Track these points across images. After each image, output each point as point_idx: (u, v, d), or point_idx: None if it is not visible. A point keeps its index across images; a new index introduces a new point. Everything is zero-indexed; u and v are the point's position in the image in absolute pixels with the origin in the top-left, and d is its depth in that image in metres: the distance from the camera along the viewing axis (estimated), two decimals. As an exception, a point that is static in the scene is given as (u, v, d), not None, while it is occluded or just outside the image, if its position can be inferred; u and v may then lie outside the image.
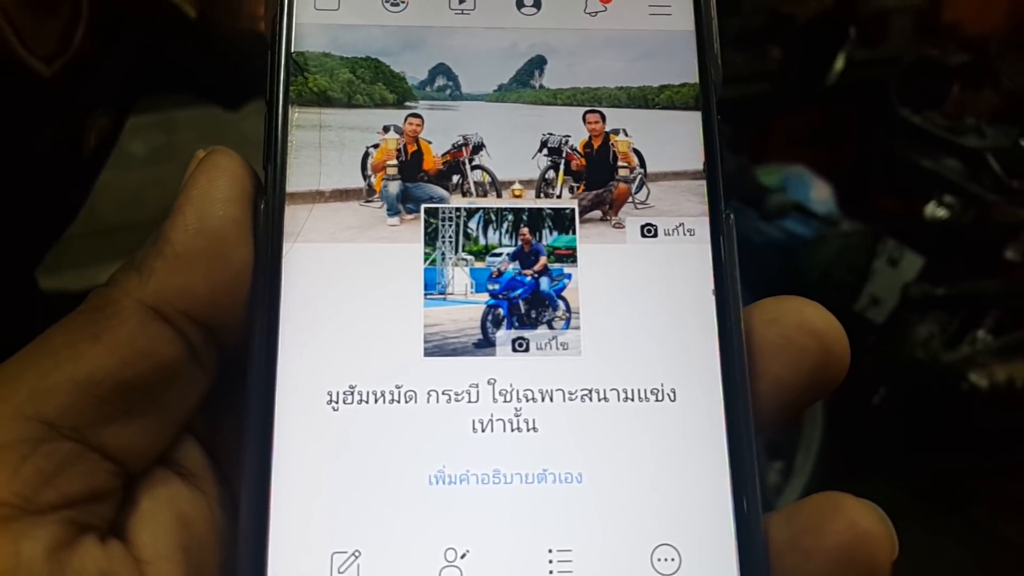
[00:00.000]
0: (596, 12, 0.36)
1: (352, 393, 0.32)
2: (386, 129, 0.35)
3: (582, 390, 0.33)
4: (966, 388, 2.20)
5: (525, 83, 0.35)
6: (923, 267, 2.26)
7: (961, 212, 2.25)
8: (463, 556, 0.31)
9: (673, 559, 0.32)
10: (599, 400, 0.33)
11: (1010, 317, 2.28)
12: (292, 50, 0.35)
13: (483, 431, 0.32)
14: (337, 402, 0.32)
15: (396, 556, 0.31)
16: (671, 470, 0.32)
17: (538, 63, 0.35)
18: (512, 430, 0.32)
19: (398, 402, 0.32)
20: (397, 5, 0.36)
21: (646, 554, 0.32)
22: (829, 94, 2.88)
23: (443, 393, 0.33)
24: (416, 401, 0.32)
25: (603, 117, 0.35)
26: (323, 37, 0.35)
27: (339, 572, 0.31)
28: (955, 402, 2.28)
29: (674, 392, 0.33)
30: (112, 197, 2.55)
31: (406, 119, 0.35)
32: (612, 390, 0.33)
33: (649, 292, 0.34)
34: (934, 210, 2.27)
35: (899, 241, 2.32)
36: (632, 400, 0.33)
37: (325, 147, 0.34)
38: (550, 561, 0.31)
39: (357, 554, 0.31)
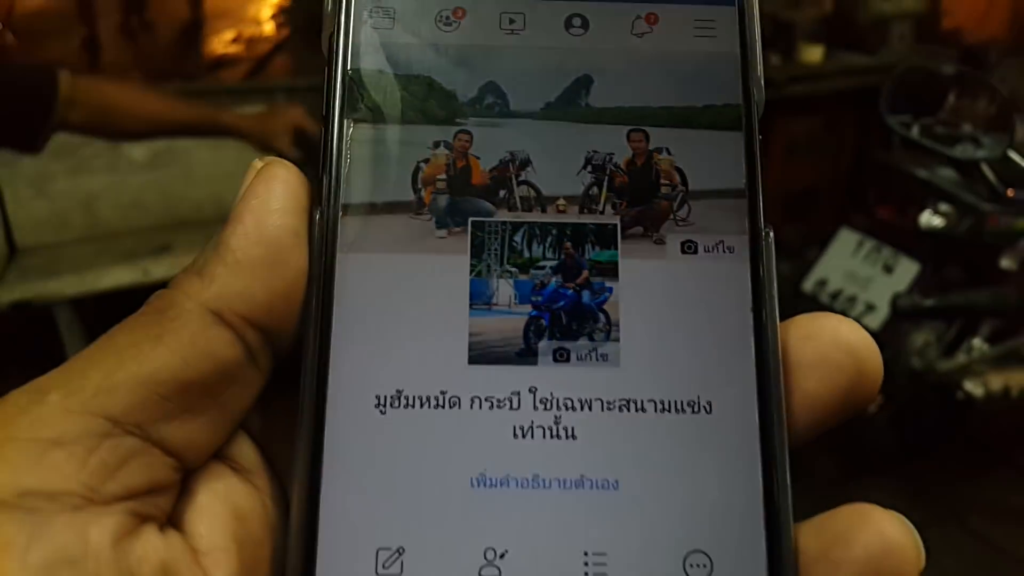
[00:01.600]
0: (642, 33, 0.37)
1: (399, 397, 0.33)
2: (436, 145, 0.35)
3: (620, 400, 0.34)
4: (962, 397, 2.21)
5: (571, 102, 0.36)
6: (918, 275, 2.27)
7: (956, 221, 2.25)
8: (502, 556, 0.32)
9: (705, 565, 0.32)
10: (636, 410, 0.34)
11: (1006, 326, 2.29)
12: (348, 67, 0.35)
13: (524, 437, 0.33)
14: (384, 406, 0.33)
15: (438, 554, 0.32)
16: (704, 480, 0.33)
17: (585, 82, 0.36)
18: (552, 437, 0.33)
19: (443, 407, 0.33)
20: (450, 24, 0.36)
21: (679, 559, 0.32)
22: (829, 101, 2.90)
23: (486, 400, 0.33)
24: (460, 407, 0.33)
25: (647, 136, 0.36)
26: (378, 55, 0.36)
27: (384, 567, 0.32)
28: (951, 411, 2.30)
29: (710, 404, 0.34)
30: (112, 201, 2.57)
31: (456, 135, 0.35)
32: (649, 401, 0.34)
33: (687, 307, 0.34)
34: (929, 219, 2.28)
35: (895, 249, 2.33)
36: (668, 411, 0.34)
37: (378, 161, 0.35)
38: (586, 564, 0.32)
39: (401, 551, 0.32)
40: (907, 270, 2.31)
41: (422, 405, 0.33)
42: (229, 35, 3.02)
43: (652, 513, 0.33)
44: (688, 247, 0.35)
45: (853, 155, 2.96)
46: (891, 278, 2.32)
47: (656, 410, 0.34)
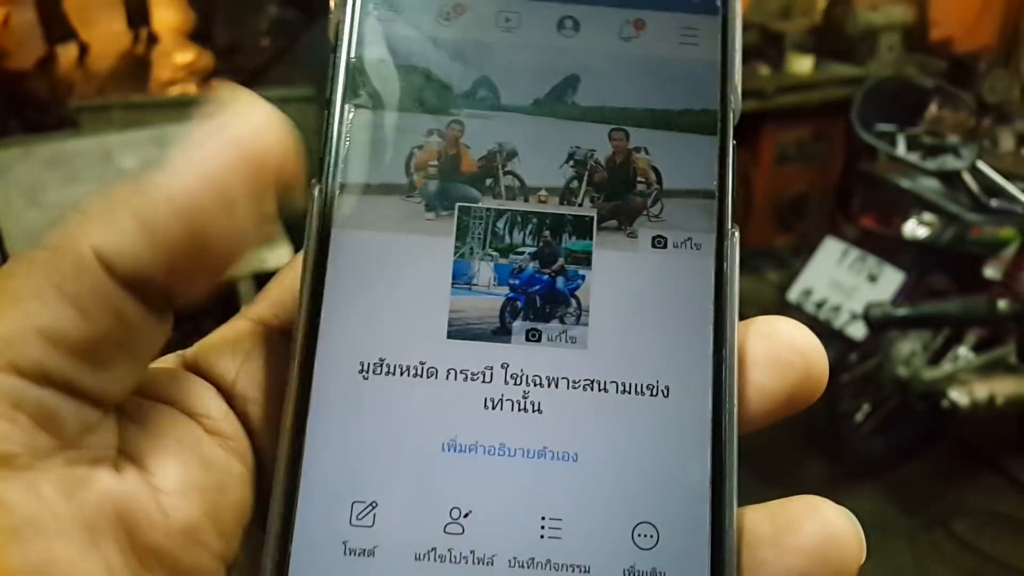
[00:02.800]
0: (630, 38, 0.38)
1: (381, 365, 0.36)
2: (430, 133, 0.37)
3: (585, 380, 0.36)
4: (947, 405, 2.21)
5: (559, 99, 0.38)
6: (902, 284, 2.28)
7: (940, 230, 2.27)
8: (466, 515, 0.34)
9: (652, 536, 0.35)
10: (599, 390, 0.36)
11: (991, 335, 2.30)
12: (352, 55, 0.37)
13: (493, 409, 0.35)
14: (368, 372, 0.35)
15: (407, 510, 0.34)
16: (658, 458, 0.35)
17: (572, 81, 0.38)
18: (519, 410, 0.36)
19: (421, 377, 0.36)
20: (449, 20, 0.38)
21: (628, 529, 0.35)
22: (818, 111, 2.91)
23: (461, 372, 0.36)
24: (437, 377, 0.36)
25: (627, 135, 0.37)
26: (380, 45, 0.37)
27: (358, 518, 0.34)
28: (937, 419, 2.31)
29: (668, 389, 0.36)
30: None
31: (449, 125, 0.37)
32: (612, 382, 0.36)
33: (654, 297, 0.37)
34: (914, 228, 2.30)
35: (879, 258, 2.34)
36: (629, 393, 0.36)
37: (375, 145, 0.37)
38: (542, 527, 0.35)
39: (374, 505, 0.34)
40: (891, 279, 2.32)
41: (402, 373, 0.36)
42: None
43: (607, 485, 0.35)
44: (658, 242, 0.37)
45: (841, 164, 2.97)
46: (876, 287, 2.33)
47: (618, 391, 0.36)
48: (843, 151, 2.97)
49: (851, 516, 0.34)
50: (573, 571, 0.34)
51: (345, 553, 0.34)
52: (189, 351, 0.36)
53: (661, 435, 0.36)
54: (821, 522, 0.34)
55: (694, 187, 0.38)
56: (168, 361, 0.36)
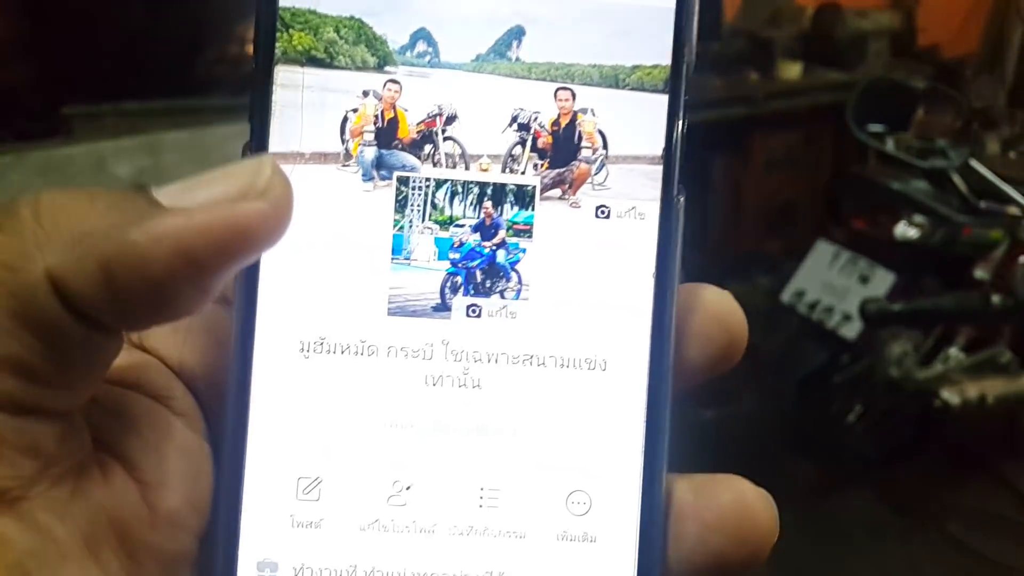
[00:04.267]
0: None
1: (322, 344, 0.35)
2: (365, 94, 0.34)
3: (524, 355, 0.35)
4: (939, 405, 2.20)
5: (502, 54, 0.35)
6: (894, 285, 2.27)
7: (931, 232, 2.26)
8: (408, 488, 0.35)
9: (585, 503, 0.35)
10: (538, 365, 0.35)
11: (982, 335, 2.29)
12: (278, 5, 0.34)
13: (434, 385, 0.35)
14: (308, 351, 0.35)
15: (351, 484, 0.35)
16: (593, 429, 0.35)
17: (517, 33, 0.35)
18: (459, 386, 0.35)
19: (361, 355, 0.35)
20: None
21: (562, 497, 0.35)
22: (807, 116, 2.90)
23: (401, 350, 0.35)
24: (377, 355, 0.35)
25: (573, 95, 0.35)
26: None
27: (304, 493, 0.34)
28: (929, 419, 2.30)
29: (605, 363, 0.35)
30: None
31: (385, 84, 0.34)
32: (551, 357, 0.35)
33: (595, 271, 0.35)
34: (904, 230, 2.29)
35: (870, 260, 2.33)
36: (567, 367, 0.35)
37: (307, 108, 0.34)
38: (481, 498, 0.35)
39: (319, 480, 0.34)
40: (883, 280, 2.31)
41: (343, 352, 0.35)
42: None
43: (543, 457, 0.35)
44: (602, 212, 0.35)
45: (831, 169, 2.96)
46: (867, 288, 2.32)
47: (556, 365, 0.35)
48: (833, 155, 2.97)
49: (767, 496, 0.35)
50: (510, 537, 0.35)
51: (293, 526, 0.34)
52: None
53: (597, 408, 0.35)
54: (738, 500, 0.35)
55: (641, 152, 0.36)
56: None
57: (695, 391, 0.36)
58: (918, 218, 2.28)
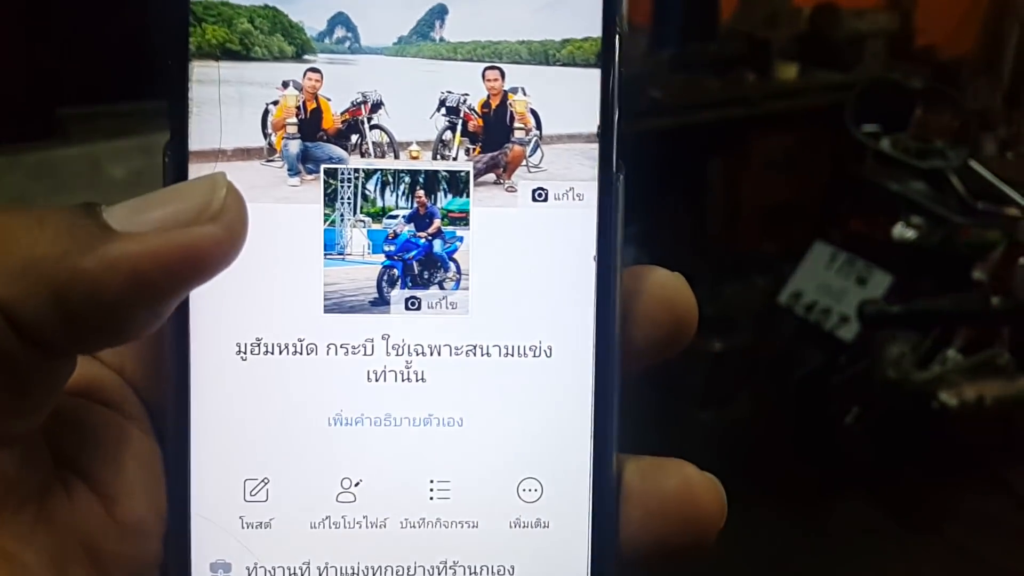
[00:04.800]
0: None
1: (259, 345, 0.34)
2: (285, 85, 0.33)
3: (467, 346, 0.34)
4: (937, 407, 2.19)
5: (425, 35, 0.33)
6: (891, 286, 2.27)
7: (928, 233, 2.25)
8: (356, 484, 0.34)
9: (536, 490, 0.35)
10: (482, 355, 0.35)
11: (979, 337, 2.28)
12: None
13: (377, 381, 0.34)
14: (245, 353, 0.34)
15: (299, 483, 0.34)
16: (541, 416, 0.35)
17: (439, 12, 0.33)
18: (403, 380, 0.34)
19: (300, 353, 0.34)
20: None
21: (513, 485, 0.35)
22: (804, 117, 2.90)
23: (341, 346, 0.34)
24: (316, 353, 0.34)
25: (503, 74, 0.34)
26: None
27: (251, 495, 0.34)
28: (927, 421, 2.29)
29: (550, 349, 0.35)
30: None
31: (305, 74, 0.33)
32: (495, 346, 0.35)
33: (535, 256, 0.34)
34: (902, 231, 2.28)
35: (868, 261, 2.33)
36: (512, 355, 0.35)
37: (225, 103, 0.33)
38: (431, 490, 0.35)
39: (266, 481, 0.34)
40: (880, 282, 2.31)
41: (281, 352, 0.34)
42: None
43: (492, 446, 0.35)
44: (539, 195, 0.34)
45: (828, 170, 2.95)
46: (865, 290, 2.32)
47: (501, 354, 0.35)
48: (830, 156, 2.95)
49: (714, 481, 0.35)
50: (462, 527, 0.35)
51: (243, 527, 0.34)
52: None
53: (544, 394, 0.35)
54: (682, 485, 0.35)
55: (577, 131, 0.34)
56: None
57: (645, 374, 0.36)
58: (916, 219, 2.28)
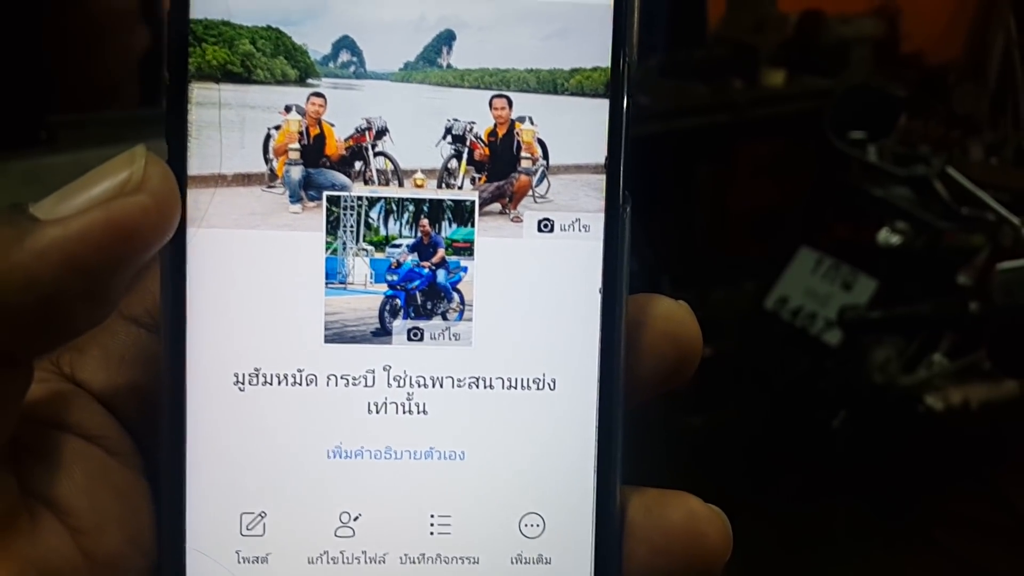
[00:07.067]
0: None
1: (257, 375, 0.33)
2: (288, 109, 0.32)
3: (470, 378, 0.34)
4: (923, 411, 2.20)
5: (432, 61, 0.33)
6: (876, 292, 2.27)
7: (913, 238, 2.26)
8: (356, 519, 0.34)
9: (538, 525, 0.34)
10: (485, 387, 0.34)
11: (965, 341, 2.29)
12: (189, 16, 0.31)
13: (377, 413, 0.33)
14: (243, 383, 0.33)
15: (297, 517, 0.33)
16: (544, 450, 0.34)
17: (446, 39, 0.33)
18: (404, 412, 0.34)
19: (300, 385, 0.33)
20: None
21: (515, 520, 0.34)
22: (791, 123, 2.90)
23: (341, 377, 0.33)
24: (316, 384, 0.33)
25: (510, 103, 0.33)
26: (222, 1, 0.32)
27: (248, 529, 0.33)
28: (913, 425, 2.29)
29: (554, 382, 0.34)
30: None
31: (308, 99, 0.32)
32: (498, 378, 0.34)
33: (540, 287, 0.34)
34: (887, 236, 2.28)
35: (853, 267, 2.33)
36: (515, 388, 0.34)
37: (226, 127, 0.32)
38: (431, 525, 0.34)
39: (263, 515, 0.33)
40: (866, 287, 2.31)
41: (280, 383, 0.33)
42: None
43: (494, 480, 0.34)
44: (545, 225, 0.34)
45: (814, 176, 2.96)
46: (850, 295, 2.32)
47: (504, 387, 0.34)
48: (816, 162, 2.96)
49: (719, 514, 0.34)
50: (463, 563, 0.34)
51: (239, 562, 0.33)
52: (64, 360, 0.33)
53: (547, 428, 0.34)
54: (687, 519, 0.34)
55: (584, 161, 0.34)
56: (46, 374, 0.33)
57: (648, 405, 0.36)
58: (900, 224, 2.28)
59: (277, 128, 0.32)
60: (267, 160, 0.32)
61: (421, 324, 0.34)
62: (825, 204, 2.65)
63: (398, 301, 0.33)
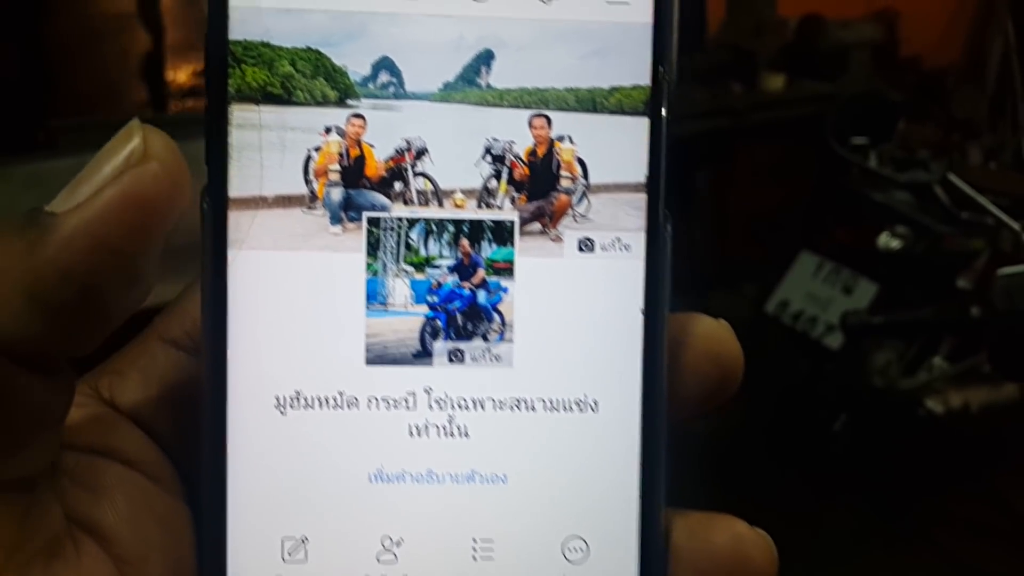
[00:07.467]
0: None
1: (298, 398, 0.32)
2: (328, 130, 0.32)
3: (511, 400, 0.33)
4: (923, 414, 2.20)
5: (471, 81, 0.33)
6: (876, 295, 2.27)
7: (913, 242, 2.26)
8: (398, 544, 0.33)
9: (582, 549, 0.34)
10: (527, 409, 0.33)
11: (965, 344, 2.29)
12: (229, 38, 0.31)
13: (418, 435, 0.33)
14: (284, 406, 0.32)
15: (339, 542, 0.33)
16: (587, 472, 0.34)
17: (485, 58, 0.33)
18: (445, 435, 0.33)
19: (341, 407, 0.33)
20: None
21: (558, 544, 0.34)
22: (791, 127, 2.90)
23: (382, 400, 0.33)
24: (357, 407, 0.33)
25: (549, 122, 0.33)
26: (261, 23, 0.31)
27: (289, 554, 0.33)
28: (914, 428, 2.29)
29: (596, 403, 0.34)
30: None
31: (348, 120, 0.32)
32: (539, 400, 0.33)
33: (581, 307, 0.33)
34: (887, 240, 2.29)
35: (853, 271, 2.33)
36: (557, 410, 0.34)
37: (266, 149, 0.32)
38: (474, 549, 0.33)
39: (305, 540, 0.33)
40: (866, 291, 2.31)
41: (321, 406, 0.33)
42: (199, 66, 2.97)
43: (536, 503, 0.34)
44: (585, 245, 0.33)
45: (814, 180, 2.96)
46: (851, 299, 2.32)
47: (545, 409, 0.34)
48: (816, 166, 2.96)
49: (764, 537, 0.34)
50: None
51: None
52: (103, 384, 0.33)
53: (590, 449, 0.34)
54: (733, 543, 0.33)
55: (623, 180, 0.33)
56: (85, 398, 0.32)
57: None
58: (900, 229, 2.29)
59: (317, 149, 0.32)
60: (307, 182, 0.32)
61: (462, 345, 0.33)
62: (825, 208, 2.65)
63: (439, 322, 0.33)
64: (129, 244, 0.27)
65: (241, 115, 0.32)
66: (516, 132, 0.33)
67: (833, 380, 2.34)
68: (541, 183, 0.33)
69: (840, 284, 2.37)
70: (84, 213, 0.26)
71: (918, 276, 2.31)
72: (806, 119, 2.82)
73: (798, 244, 2.53)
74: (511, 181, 0.33)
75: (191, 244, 0.31)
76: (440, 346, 0.33)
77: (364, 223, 0.33)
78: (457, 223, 0.33)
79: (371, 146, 0.33)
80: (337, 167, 0.32)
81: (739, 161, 2.97)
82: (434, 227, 0.33)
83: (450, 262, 0.33)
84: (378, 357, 0.33)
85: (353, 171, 0.33)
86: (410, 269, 0.33)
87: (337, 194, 0.32)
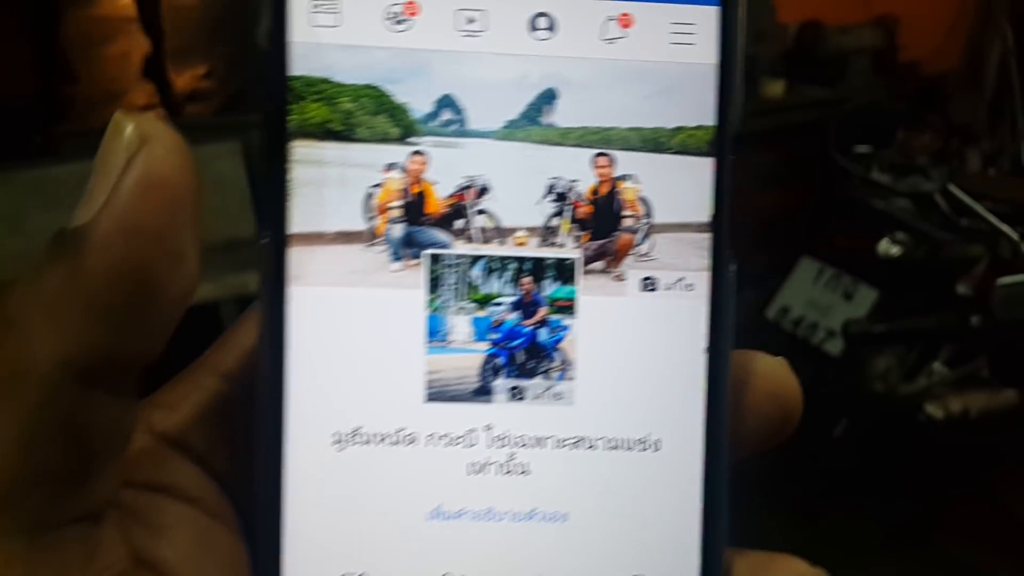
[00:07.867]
0: (614, 39, 0.33)
1: (357, 434, 0.32)
2: (389, 167, 0.32)
3: (573, 438, 0.33)
4: (923, 419, 2.21)
5: (534, 120, 0.32)
6: (877, 302, 2.28)
7: (913, 249, 2.26)
8: None
9: None
10: (588, 448, 0.33)
11: (964, 350, 2.29)
12: (288, 74, 0.31)
13: (479, 473, 0.33)
14: (343, 443, 0.32)
15: None
16: (648, 512, 0.33)
17: (548, 97, 0.32)
18: (505, 473, 0.33)
19: (400, 444, 0.32)
20: (401, 24, 0.32)
21: None
22: (791, 133, 2.90)
23: (442, 437, 0.33)
24: (417, 444, 0.32)
25: (612, 161, 0.33)
26: (322, 59, 0.31)
27: None
28: (914, 433, 2.30)
29: (659, 443, 0.33)
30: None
31: (410, 157, 0.32)
32: (601, 439, 0.33)
33: (644, 346, 0.33)
34: (887, 247, 2.29)
35: (854, 277, 2.34)
36: (619, 449, 0.33)
37: (326, 185, 0.31)
38: None
39: None
40: (866, 297, 2.31)
41: (380, 442, 0.32)
42: (201, 69, 2.96)
43: (598, 542, 0.33)
44: (648, 284, 0.33)
45: (814, 186, 2.96)
46: (851, 305, 2.33)
47: (607, 447, 0.33)
48: (817, 173, 2.96)
49: (824, 575, 0.34)
50: None
51: None
52: (156, 419, 0.32)
53: (652, 489, 0.34)
54: (794, 571, 0.34)
55: (687, 220, 0.33)
56: (138, 434, 0.32)
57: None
58: (900, 235, 2.29)
59: (378, 186, 0.32)
60: (368, 218, 0.32)
61: (522, 383, 0.33)
62: (826, 215, 2.65)
63: (499, 360, 0.33)
64: (163, 223, 0.27)
65: (302, 151, 0.31)
66: (579, 171, 0.33)
67: (834, 385, 2.34)
68: (604, 222, 0.33)
69: (840, 290, 2.37)
70: (111, 211, 0.26)
71: (918, 282, 2.31)
72: (806, 125, 2.82)
73: (798, 250, 2.53)
74: (574, 219, 0.33)
75: (227, 241, 0.30)
76: (500, 383, 0.33)
77: (425, 260, 0.32)
78: (519, 260, 0.33)
79: (432, 183, 0.32)
80: (398, 204, 0.32)
81: (739, 167, 2.97)
82: (496, 264, 0.33)
83: (511, 300, 0.33)
84: (438, 394, 0.33)
85: (414, 208, 0.32)
86: (471, 306, 0.33)
87: (398, 231, 0.32)
